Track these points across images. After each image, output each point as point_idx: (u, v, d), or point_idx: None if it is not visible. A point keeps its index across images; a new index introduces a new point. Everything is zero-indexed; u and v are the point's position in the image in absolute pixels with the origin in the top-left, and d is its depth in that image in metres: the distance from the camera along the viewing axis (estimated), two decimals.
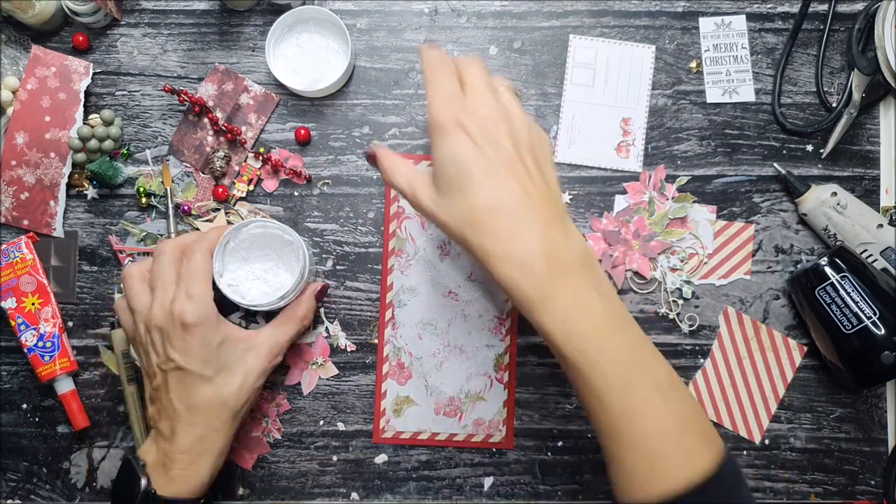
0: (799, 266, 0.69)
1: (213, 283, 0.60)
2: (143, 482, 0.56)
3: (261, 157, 0.69)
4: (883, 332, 0.61)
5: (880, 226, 0.67)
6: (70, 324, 0.70)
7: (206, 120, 0.69)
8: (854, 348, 0.63)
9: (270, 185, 0.70)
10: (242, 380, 0.59)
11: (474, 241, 0.48)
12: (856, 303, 0.62)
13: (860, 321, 0.62)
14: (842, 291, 0.63)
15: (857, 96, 0.68)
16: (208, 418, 0.57)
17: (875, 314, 0.62)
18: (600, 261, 0.70)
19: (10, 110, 0.68)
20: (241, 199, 0.70)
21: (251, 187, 0.70)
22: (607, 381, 0.47)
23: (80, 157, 0.68)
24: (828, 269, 0.64)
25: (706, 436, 0.49)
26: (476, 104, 0.50)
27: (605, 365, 0.47)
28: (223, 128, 0.68)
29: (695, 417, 0.49)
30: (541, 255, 0.47)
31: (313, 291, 0.65)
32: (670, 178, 0.70)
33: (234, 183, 0.69)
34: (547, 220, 0.48)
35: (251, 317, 0.69)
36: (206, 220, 0.69)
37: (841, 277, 0.63)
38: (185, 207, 0.69)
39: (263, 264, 0.64)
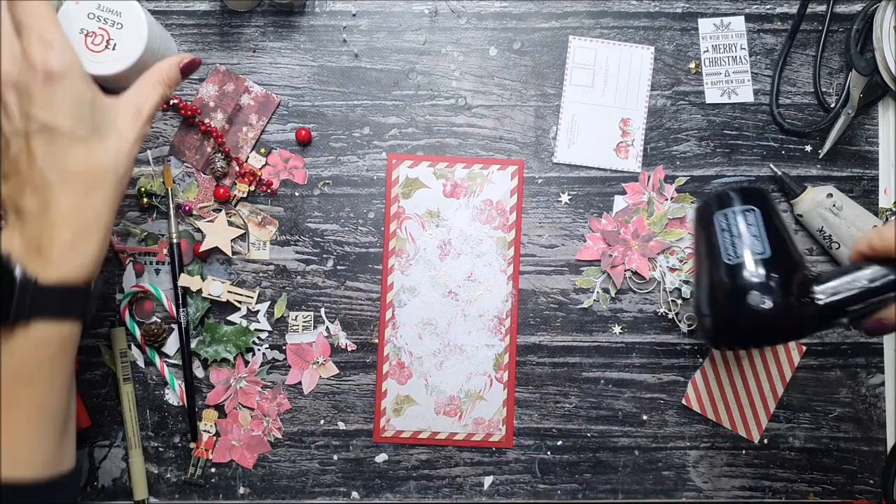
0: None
1: None
2: (18, 272, 0.46)
3: (262, 158, 0.69)
4: (763, 272, 0.52)
5: (875, 227, 0.67)
6: None
7: (206, 121, 0.70)
8: (726, 282, 0.53)
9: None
10: (118, 145, 0.50)
11: None
12: (752, 237, 0.54)
13: (744, 255, 0.53)
14: (741, 222, 0.55)
15: (855, 97, 0.68)
16: (87, 184, 0.48)
17: (764, 254, 0.53)
18: (599, 260, 0.70)
19: None
20: (242, 199, 0.70)
21: (252, 187, 0.70)
22: None
23: None
24: (737, 196, 0.56)
25: None
26: None
27: None
28: (214, 137, 0.68)
29: None
30: None
31: (178, 62, 0.56)
32: (669, 179, 0.70)
33: (235, 183, 0.70)
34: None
35: None
36: (208, 221, 0.69)
37: (746, 209, 0.55)
38: (187, 208, 0.69)
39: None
